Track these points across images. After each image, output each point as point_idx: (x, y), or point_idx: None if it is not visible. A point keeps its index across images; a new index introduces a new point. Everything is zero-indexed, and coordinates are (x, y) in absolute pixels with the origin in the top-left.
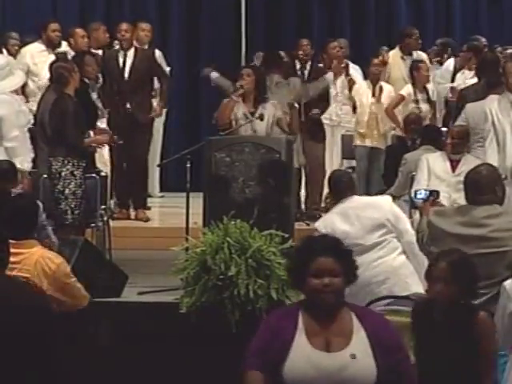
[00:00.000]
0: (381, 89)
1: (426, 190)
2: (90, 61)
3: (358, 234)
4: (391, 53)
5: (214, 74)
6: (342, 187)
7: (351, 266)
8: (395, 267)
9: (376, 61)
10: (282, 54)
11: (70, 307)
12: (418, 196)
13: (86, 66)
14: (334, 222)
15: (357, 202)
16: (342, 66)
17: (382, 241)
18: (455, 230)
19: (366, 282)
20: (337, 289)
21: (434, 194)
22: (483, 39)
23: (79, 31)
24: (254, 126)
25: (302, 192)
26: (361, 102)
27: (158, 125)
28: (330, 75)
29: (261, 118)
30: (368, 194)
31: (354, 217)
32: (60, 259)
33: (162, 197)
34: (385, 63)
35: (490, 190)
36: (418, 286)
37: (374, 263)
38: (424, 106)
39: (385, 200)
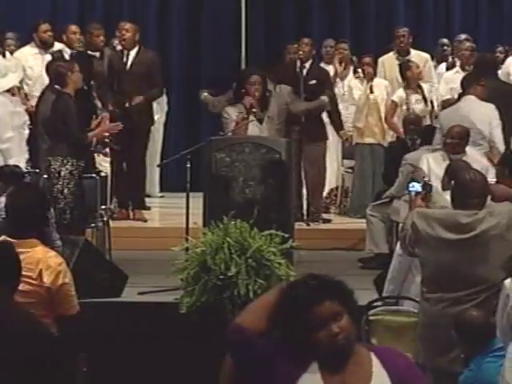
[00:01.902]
0: (372, 87)
1: (419, 183)
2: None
3: None
4: (387, 56)
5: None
6: None
7: (351, 300)
8: None
9: (367, 59)
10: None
11: (60, 311)
12: (411, 188)
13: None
14: None
15: None
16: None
17: None
18: (439, 233)
19: None
20: (347, 332)
21: (426, 188)
22: (462, 36)
23: (72, 28)
24: (260, 127)
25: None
26: (359, 99)
27: (158, 125)
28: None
29: (260, 120)
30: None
31: None
32: (61, 259)
33: (161, 197)
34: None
35: (481, 194)
36: None
37: None
38: (418, 107)
39: None
